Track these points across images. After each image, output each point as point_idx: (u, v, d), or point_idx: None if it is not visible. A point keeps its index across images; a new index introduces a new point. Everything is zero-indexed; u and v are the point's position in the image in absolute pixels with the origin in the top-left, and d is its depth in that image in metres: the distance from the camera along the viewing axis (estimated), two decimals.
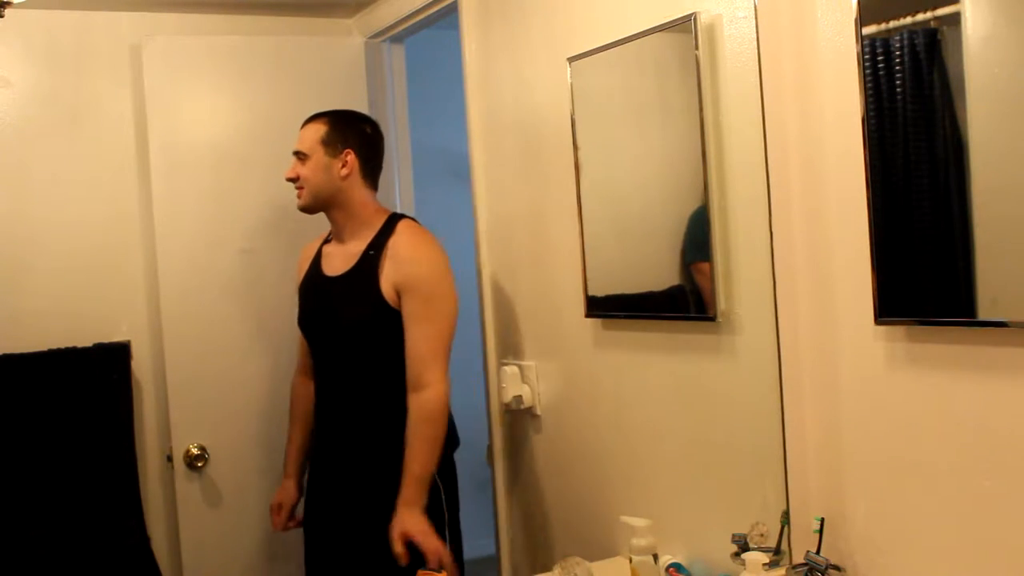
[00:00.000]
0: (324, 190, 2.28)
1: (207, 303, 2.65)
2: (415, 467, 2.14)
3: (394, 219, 2.30)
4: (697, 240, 1.76)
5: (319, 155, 2.27)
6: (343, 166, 2.27)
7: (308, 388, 2.44)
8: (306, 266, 2.41)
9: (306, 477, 2.48)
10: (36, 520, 2.39)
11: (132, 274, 2.65)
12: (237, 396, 2.68)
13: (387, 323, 2.19)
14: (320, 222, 2.56)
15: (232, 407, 2.67)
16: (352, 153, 2.28)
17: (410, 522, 2.12)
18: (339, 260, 2.30)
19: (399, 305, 2.18)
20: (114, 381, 2.52)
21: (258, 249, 2.70)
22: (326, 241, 2.41)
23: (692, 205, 1.78)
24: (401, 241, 2.23)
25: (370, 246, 2.25)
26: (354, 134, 2.31)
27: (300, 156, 2.30)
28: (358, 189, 2.30)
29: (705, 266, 1.74)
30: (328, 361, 2.32)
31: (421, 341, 2.15)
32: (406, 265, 2.19)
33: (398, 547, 2.11)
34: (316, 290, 2.35)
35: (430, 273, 2.19)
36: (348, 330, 2.26)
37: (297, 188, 2.31)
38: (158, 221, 2.61)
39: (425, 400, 2.14)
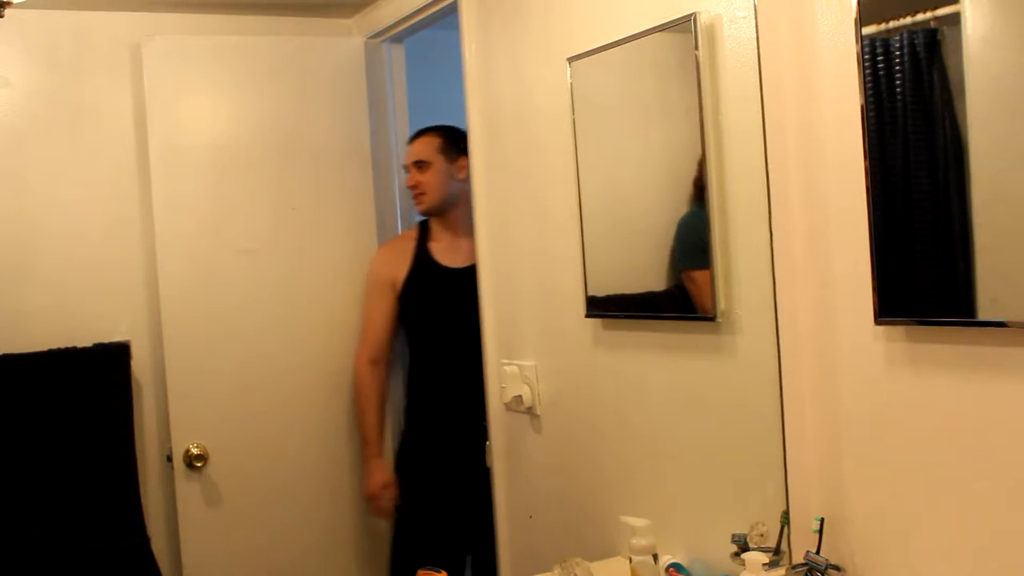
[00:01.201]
0: (447, 192, 2.65)
1: (207, 303, 2.65)
2: None
3: None
4: (686, 246, 1.76)
5: (440, 163, 2.64)
6: (460, 170, 2.62)
7: (379, 375, 2.76)
8: (401, 266, 2.70)
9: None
10: (36, 520, 2.39)
11: (132, 274, 2.64)
12: (237, 396, 2.68)
13: None
14: (320, 223, 2.56)
15: (232, 407, 2.67)
16: (466, 159, 2.53)
17: None
18: (463, 253, 2.63)
19: None
20: (114, 381, 2.52)
21: (259, 249, 2.70)
22: (424, 240, 2.71)
23: (692, 205, 1.78)
24: None
25: None
26: (463, 143, 2.56)
27: (420, 165, 2.65)
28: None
29: (695, 273, 1.75)
30: (471, 338, 2.49)
31: None
32: None
33: None
34: (447, 281, 2.67)
35: None
36: None
37: (417, 194, 2.66)
38: (158, 221, 2.61)
39: None
